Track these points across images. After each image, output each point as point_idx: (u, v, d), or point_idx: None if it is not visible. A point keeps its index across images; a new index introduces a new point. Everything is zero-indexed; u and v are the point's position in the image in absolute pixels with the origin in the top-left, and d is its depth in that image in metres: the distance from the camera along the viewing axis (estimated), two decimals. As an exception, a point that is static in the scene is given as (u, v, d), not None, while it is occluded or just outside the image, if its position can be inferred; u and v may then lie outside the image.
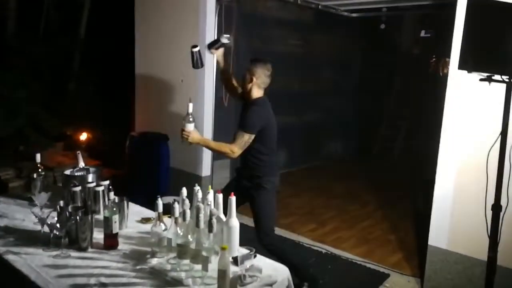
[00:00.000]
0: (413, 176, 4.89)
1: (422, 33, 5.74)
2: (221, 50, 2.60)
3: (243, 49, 4.55)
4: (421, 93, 5.77)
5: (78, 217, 1.78)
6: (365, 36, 6.32)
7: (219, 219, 1.76)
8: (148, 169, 3.99)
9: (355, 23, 5.80)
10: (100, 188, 2.12)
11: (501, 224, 1.96)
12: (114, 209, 1.82)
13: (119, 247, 1.83)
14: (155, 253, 1.75)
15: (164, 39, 4.22)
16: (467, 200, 2.58)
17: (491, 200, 1.98)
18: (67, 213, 1.78)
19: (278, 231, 3.68)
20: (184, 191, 1.85)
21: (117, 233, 1.84)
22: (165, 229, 1.75)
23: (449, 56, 2.59)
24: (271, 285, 1.61)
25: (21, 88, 4.40)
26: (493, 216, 1.97)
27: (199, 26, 3.87)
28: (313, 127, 6.02)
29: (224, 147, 2.38)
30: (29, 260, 1.70)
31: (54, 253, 1.76)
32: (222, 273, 1.48)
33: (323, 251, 3.39)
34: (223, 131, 3.78)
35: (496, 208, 1.97)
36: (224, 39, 2.53)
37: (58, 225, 1.76)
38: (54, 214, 1.85)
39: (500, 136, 1.93)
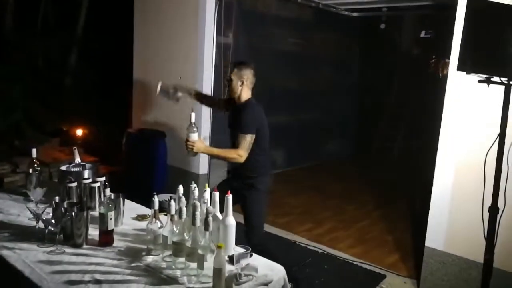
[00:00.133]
0: (411, 177, 4.89)
1: (422, 34, 5.74)
2: (178, 94, 2.68)
3: (242, 47, 4.53)
4: (420, 93, 5.77)
5: (73, 213, 1.77)
6: (365, 35, 6.32)
7: (215, 217, 1.75)
8: (145, 166, 3.97)
9: (355, 23, 5.80)
10: (96, 185, 2.11)
11: (498, 226, 1.96)
12: (110, 205, 1.81)
13: (114, 244, 1.82)
14: (150, 250, 1.74)
15: (162, 35, 4.20)
16: (465, 202, 2.58)
17: (488, 202, 1.98)
18: (63, 209, 1.77)
19: (275, 230, 3.69)
20: (181, 188, 1.84)
21: (112, 230, 1.83)
22: (161, 227, 1.74)
23: (449, 57, 2.58)
24: (266, 284, 1.61)
25: (18, 83, 4.38)
26: (490, 218, 1.97)
27: (198, 23, 3.85)
28: (312, 126, 6.01)
29: (230, 153, 2.39)
30: (24, 256, 1.69)
31: (49, 249, 1.75)
32: (217, 272, 1.47)
33: (320, 251, 3.39)
34: (221, 130, 3.77)
35: (493, 210, 1.96)
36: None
37: (53, 221, 1.75)
38: (50, 209, 1.84)
39: (498, 138, 1.93)
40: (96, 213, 1.93)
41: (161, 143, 4.04)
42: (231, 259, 1.68)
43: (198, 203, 1.68)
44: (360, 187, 5.12)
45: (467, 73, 1.94)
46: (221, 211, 1.80)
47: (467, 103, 2.57)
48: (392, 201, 4.69)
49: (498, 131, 1.92)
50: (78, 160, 2.42)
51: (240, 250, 1.75)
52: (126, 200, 2.12)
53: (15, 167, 4.10)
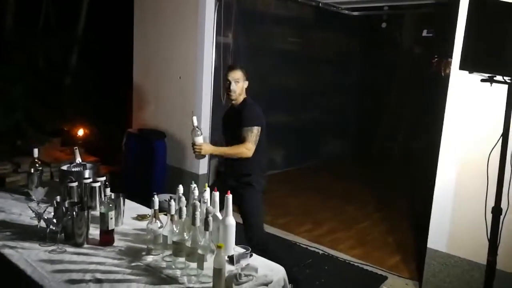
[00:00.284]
0: (412, 177, 4.88)
1: (424, 33, 5.71)
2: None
3: (242, 47, 4.52)
4: (422, 93, 5.75)
5: (74, 213, 1.77)
6: (365, 35, 6.29)
7: (215, 217, 1.75)
8: (145, 166, 3.98)
9: (356, 22, 5.77)
10: (97, 184, 2.11)
11: (501, 228, 1.94)
12: (110, 205, 1.81)
13: (115, 243, 1.83)
14: (150, 250, 1.74)
15: (162, 35, 4.20)
16: (467, 203, 2.56)
17: (491, 202, 1.97)
18: (64, 208, 1.78)
19: (274, 230, 3.68)
20: (181, 188, 1.84)
21: (113, 230, 1.83)
22: (161, 227, 1.74)
23: (451, 56, 2.57)
24: (266, 284, 1.60)
25: (19, 82, 4.38)
26: (493, 219, 1.95)
27: (198, 23, 3.84)
28: (312, 126, 6.00)
29: (237, 148, 2.37)
30: (26, 255, 1.70)
31: (50, 248, 1.76)
32: (217, 272, 1.46)
33: (320, 251, 3.37)
34: (221, 128, 3.77)
35: (496, 211, 1.95)
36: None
37: (54, 220, 1.77)
38: (51, 209, 1.85)
39: (501, 138, 1.91)
40: (96, 213, 1.93)
41: (161, 143, 4.04)
42: (231, 259, 1.67)
43: (198, 203, 1.68)
44: (360, 188, 5.10)
45: (469, 72, 1.93)
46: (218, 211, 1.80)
47: (469, 102, 2.55)
48: (393, 202, 4.67)
49: (501, 131, 1.91)
50: (79, 160, 2.42)
51: (240, 250, 1.74)
52: (126, 199, 2.12)
53: (16, 167, 4.11)
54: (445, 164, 2.68)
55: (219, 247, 1.46)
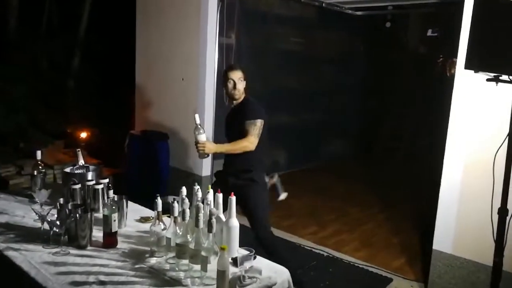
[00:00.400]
0: (417, 178, 4.84)
1: (429, 32, 5.68)
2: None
3: (245, 47, 4.52)
4: (427, 93, 5.72)
5: (77, 215, 1.77)
6: (369, 34, 6.27)
7: (218, 219, 1.73)
8: (148, 168, 3.97)
9: (360, 22, 5.74)
10: (100, 186, 2.10)
11: (508, 228, 1.92)
12: (114, 207, 1.81)
13: (118, 245, 1.82)
14: (154, 252, 1.73)
15: (165, 37, 4.20)
16: (473, 204, 2.54)
17: (497, 203, 1.94)
18: (67, 210, 1.78)
19: (278, 233, 3.65)
20: (184, 190, 1.83)
21: (116, 232, 1.83)
22: (164, 229, 1.73)
23: (456, 56, 2.55)
24: (270, 286, 1.59)
25: (21, 84, 4.40)
26: (499, 220, 1.93)
27: (200, 23, 3.84)
28: (315, 127, 5.98)
29: (241, 142, 2.36)
30: (29, 257, 1.70)
31: (54, 250, 1.76)
32: (221, 274, 1.45)
33: (324, 254, 3.36)
34: (224, 129, 3.76)
35: (503, 212, 1.93)
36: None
37: (58, 222, 1.76)
38: (54, 211, 1.84)
39: (507, 137, 1.89)
40: (100, 215, 1.93)
41: (164, 144, 4.03)
42: (234, 261, 1.66)
43: (201, 205, 1.66)
44: (364, 189, 5.08)
45: (475, 72, 1.91)
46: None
47: (475, 102, 2.54)
48: (397, 203, 4.64)
49: (507, 131, 1.89)
50: (81, 162, 2.42)
51: (243, 252, 1.73)
52: (129, 201, 2.12)
53: (20, 169, 4.12)
54: (451, 164, 2.66)
55: (222, 249, 1.45)
